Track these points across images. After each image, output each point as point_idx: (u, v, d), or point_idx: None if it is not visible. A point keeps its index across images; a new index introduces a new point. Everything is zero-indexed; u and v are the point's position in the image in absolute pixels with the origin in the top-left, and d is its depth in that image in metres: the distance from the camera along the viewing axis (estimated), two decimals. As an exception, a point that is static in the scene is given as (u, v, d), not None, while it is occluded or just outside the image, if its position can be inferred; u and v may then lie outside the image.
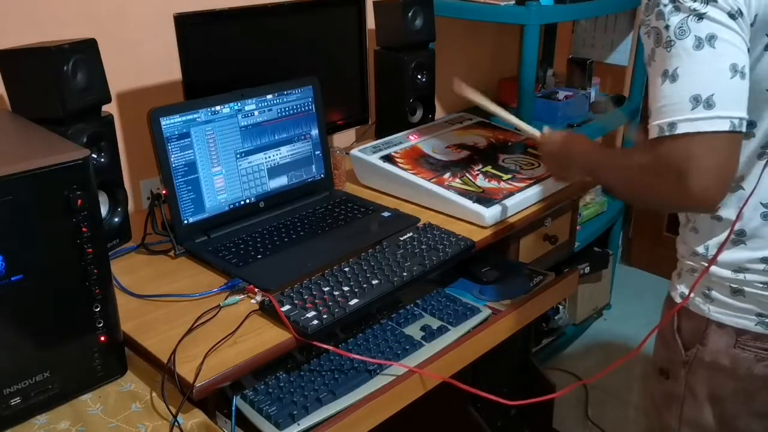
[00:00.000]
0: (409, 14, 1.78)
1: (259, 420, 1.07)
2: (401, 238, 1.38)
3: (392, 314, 1.33)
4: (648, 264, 3.08)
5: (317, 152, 1.57)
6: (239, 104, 1.43)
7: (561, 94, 2.29)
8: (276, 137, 1.50)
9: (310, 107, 1.55)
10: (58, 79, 1.18)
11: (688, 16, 0.89)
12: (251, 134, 1.45)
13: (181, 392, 1.00)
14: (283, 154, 1.51)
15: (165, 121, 1.31)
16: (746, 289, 1.04)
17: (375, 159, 1.62)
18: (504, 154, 1.71)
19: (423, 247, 1.35)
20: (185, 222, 1.36)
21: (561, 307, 2.44)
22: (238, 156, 1.44)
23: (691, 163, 0.88)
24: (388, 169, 1.59)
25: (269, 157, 1.49)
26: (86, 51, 1.23)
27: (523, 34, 1.90)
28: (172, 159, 1.33)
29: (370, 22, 1.79)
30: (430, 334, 1.26)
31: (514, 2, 1.91)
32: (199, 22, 1.43)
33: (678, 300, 1.13)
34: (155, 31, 1.56)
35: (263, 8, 1.57)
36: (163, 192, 1.33)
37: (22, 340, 0.94)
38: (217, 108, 1.39)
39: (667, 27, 0.91)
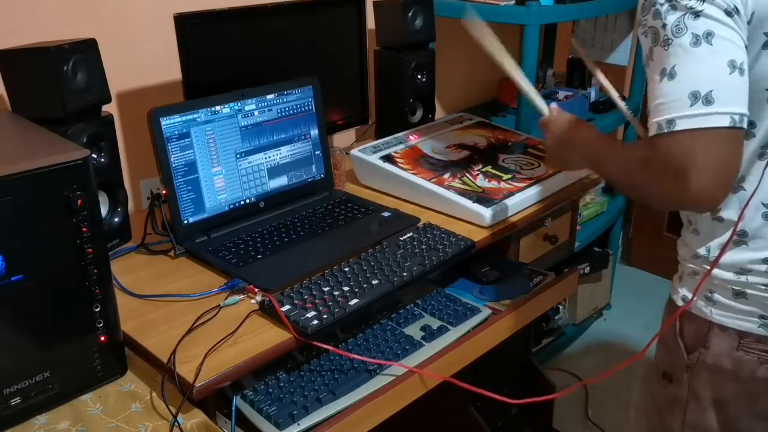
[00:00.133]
0: (409, 14, 1.78)
1: (259, 420, 1.07)
2: (401, 238, 1.38)
3: (392, 314, 1.33)
4: (648, 264, 3.08)
5: (317, 152, 1.57)
6: (239, 104, 1.43)
7: (561, 94, 2.29)
8: (276, 137, 1.50)
9: (310, 107, 1.55)
10: (58, 79, 1.18)
11: (684, 14, 0.89)
12: (251, 134, 1.45)
13: (181, 392, 1.00)
14: (283, 154, 1.51)
15: (165, 121, 1.31)
16: (748, 291, 1.04)
17: (375, 159, 1.62)
18: (504, 154, 1.71)
19: (423, 247, 1.35)
20: (185, 222, 1.36)
21: (561, 307, 2.44)
22: (238, 156, 1.44)
23: (690, 161, 0.87)
24: (388, 169, 1.59)
25: (269, 157, 1.49)
26: (86, 51, 1.23)
27: (523, 34, 1.90)
28: (172, 159, 1.33)
29: (370, 22, 1.79)
30: (430, 334, 1.26)
31: (514, 2, 1.91)
32: (199, 22, 1.43)
33: (680, 303, 1.12)
34: (155, 31, 1.56)
35: (263, 8, 1.57)
36: (163, 192, 1.33)
37: (22, 340, 0.94)
38: (217, 108, 1.39)
39: (664, 26, 0.91)
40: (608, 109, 2.38)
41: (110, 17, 1.52)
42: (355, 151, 1.65)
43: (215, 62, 1.48)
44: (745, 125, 0.89)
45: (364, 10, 1.74)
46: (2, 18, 1.36)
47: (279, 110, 1.50)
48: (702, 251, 1.08)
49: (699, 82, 0.88)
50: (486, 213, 1.44)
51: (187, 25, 1.40)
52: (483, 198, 1.49)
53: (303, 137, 1.55)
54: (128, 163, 1.58)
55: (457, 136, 1.79)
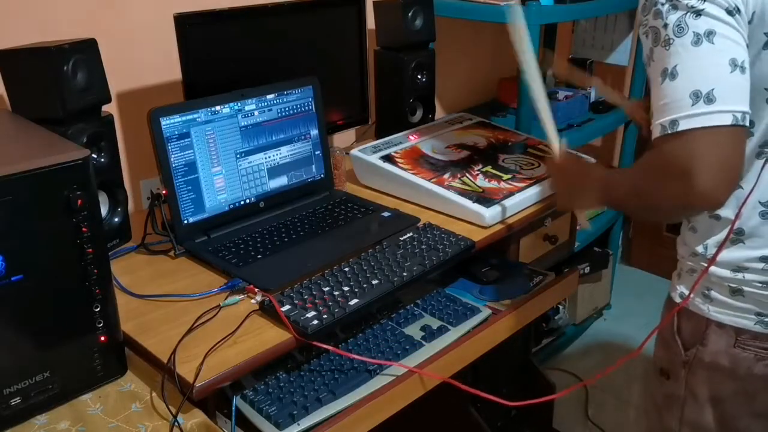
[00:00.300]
0: (409, 14, 1.78)
1: (259, 420, 1.07)
2: (401, 238, 1.38)
3: (392, 314, 1.33)
4: (648, 264, 3.08)
5: (317, 152, 1.57)
6: (239, 104, 1.43)
7: (561, 94, 2.29)
8: (276, 137, 1.50)
9: (310, 107, 1.55)
10: (58, 79, 1.18)
11: (685, 14, 0.89)
12: (251, 134, 1.45)
13: (181, 392, 1.00)
14: (283, 154, 1.51)
15: (165, 121, 1.31)
16: (745, 288, 1.04)
17: (375, 159, 1.62)
18: (504, 154, 1.71)
19: (423, 247, 1.35)
20: (185, 222, 1.36)
21: (561, 307, 2.44)
22: (238, 156, 1.44)
23: (695, 161, 0.87)
24: (388, 169, 1.59)
25: (269, 157, 1.49)
26: (86, 51, 1.23)
27: (523, 34, 1.90)
28: (172, 159, 1.33)
29: (370, 22, 1.79)
30: (430, 334, 1.26)
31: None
32: (199, 22, 1.43)
33: (678, 300, 1.13)
34: (155, 31, 1.56)
35: (263, 8, 1.57)
36: (163, 192, 1.33)
37: (22, 340, 0.94)
38: (217, 108, 1.39)
39: (665, 25, 0.91)
40: (608, 109, 2.38)
41: (110, 17, 1.52)
42: (355, 151, 1.65)
43: (215, 62, 1.48)
44: (747, 123, 0.89)
45: (364, 10, 1.74)
46: (2, 18, 1.36)
47: (279, 110, 1.50)
48: (700, 249, 1.08)
49: (700, 81, 0.88)
50: (486, 213, 1.44)
51: (187, 25, 1.40)
52: (483, 198, 1.49)
53: (303, 137, 1.55)
54: (128, 163, 1.58)
55: (457, 136, 1.79)
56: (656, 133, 0.92)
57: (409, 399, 1.15)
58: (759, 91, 0.95)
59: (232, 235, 1.40)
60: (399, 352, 1.21)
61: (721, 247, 1.03)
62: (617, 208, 1.18)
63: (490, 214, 1.44)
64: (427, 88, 1.87)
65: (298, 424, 1.05)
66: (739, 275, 1.04)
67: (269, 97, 1.48)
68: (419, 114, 1.88)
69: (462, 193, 1.50)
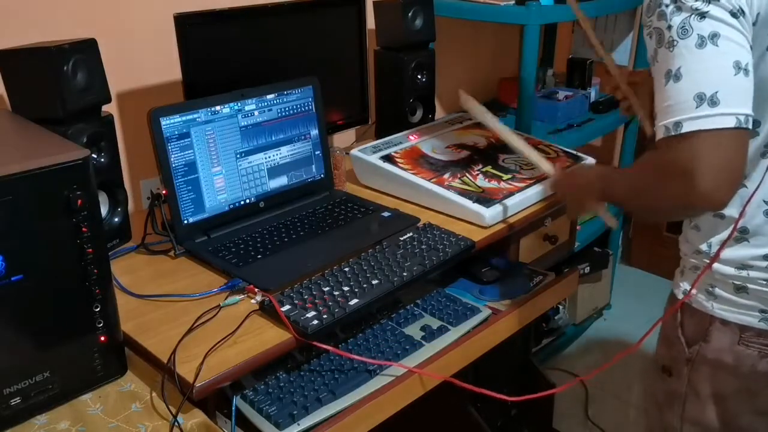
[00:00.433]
0: (409, 14, 1.78)
1: (259, 420, 1.07)
2: (401, 238, 1.38)
3: (392, 314, 1.33)
4: (648, 264, 3.08)
5: (317, 152, 1.57)
6: (239, 104, 1.43)
7: (561, 94, 2.29)
8: (276, 137, 1.50)
9: (310, 107, 1.55)
10: (58, 79, 1.18)
11: (690, 16, 0.89)
12: (251, 134, 1.45)
13: (181, 392, 1.00)
14: (283, 154, 1.51)
15: (165, 121, 1.31)
16: (749, 286, 1.05)
17: (375, 159, 1.62)
18: (504, 154, 1.71)
19: (423, 247, 1.35)
20: (185, 222, 1.36)
21: (561, 307, 2.44)
22: (238, 156, 1.44)
23: (698, 162, 0.88)
24: (388, 169, 1.59)
25: (269, 157, 1.49)
26: (86, 51, 1.23)
27: (523, 34, 1.90)
28: (172, 159, 1.33)
29: (370, 22, 1.79)
30: (430, 334, 1.26)
31: (514, 2, 1.91)
32: (199, 22, 1.43)
33: (681, 297, 1.13)
34: (155, 31, 1.56)
35: (263, 8, 1.57)
36: (163, 192, 1.33)
37: (22, 340, 0.94)
38: (217, 108, 1.39)
39: (669, 27, 0.91)
40: (608, 109, 2.38)
41: (110, 17, 1.52)
42: (355, 151, 1.65)
43: (215, 62, 1.48)
44: (750, 125, 0.90)
45: (364, 10, 1.74)
46: (2, 18, 1.36)
47: (279, 110, 1.50)
48: (704, 247, 1.09)
49: (704, 84, 0.89)
50: (486, 213, 1.44)
51: (187, 25, 1.40)
52: (483, 198, 1.49)
53: (303, 137, 1.55)
54: (128, 163, 1.58)
55: (457, 136, 1.79)
56: (660, 134, 0.92)
57: (409, 399, 1.15)
58: (764, 92, 0.95)
59: (232, 235, 1.40)
60: (399, 352, 1.21)
61: (723, 245, 1.04)
62: (618, 205, 1.19)
63: (490, 214, 1.44)
64: (427, 88, 1.87)
65: (298, 424, 1.05)
66: (744, 273, 1.05)
67: (269, 97, 1.48)
68: (419, 114, 1.89)
69: (462, 193, 1.50)
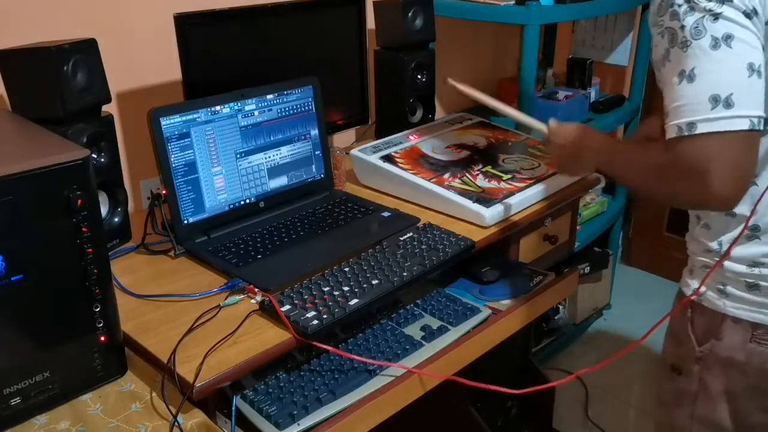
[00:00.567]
0: (409, 14, 1.78)
1: (259, 420, 1.07)
2: (401, 238, 1.38)
3: (392, 314, 1.33)
4: (648, 264, 3.08)
5: (317, 152, 1.57)
6: (239, 104, 1.43)
7: (561, 94, 2.29)
8: (276, 137, 1.50)
9: (310, 107, 1.55)
10: (58, 79, 1.18)
11: (703, 16, 0.90)
12: (251, 134, 1.45)
13: (181, 392, 1.00)
14: (283, 154, 1.51)
15: (165, 121, 1.31)
16: (762, 283, 1.05)
17: (375, 159, 1.62)
18: (504, 154, 1.71)
19: (423, 247, 1.35)
20: (185, 222, 1.36)
21: (561, 307, 2.44)
22: (238, 156, 1.44)
23: (711, 163, 0.89)
24: (388, 169, 1.59)
25: (269, 157, 1.49)
26: (86, 51, 1.23)
27: (523, 34, 1.90)
28: (172, 159, 1.33)
29: (370, 22, 1.79)
30: (430, 334, 1.26)
31: (514, 2, 1.91)
32: (199, 22, 1.43)
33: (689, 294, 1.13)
34: (155, 31, 1.56)
35: (263, 8, 1.57)
36: (163, 192, 1.33)
37: (22, 340, 0.94)
38: (217, 108, 1.39)
39: (682, 27, 0.91)
40: (608, 109, 2.38)
41: (110, 17, 1.52)
42: (355, 151, 1.65)
43: (215, 62, 1.48)
44: (762, 127, 0.90)
45: (364, 10, 1.74)
46: (2, 18, 1.36)
47: (279, 110, 1.50)
48: (714, 245, 1.09)
49: (719, 86, 0.89)
50: (486, 213, 1.44)
51: (187, 25, 1.40)
52: (483, 198, 1.49)
53: (303, 137, 1.55)
54: (128, 163, 1.58)
55: (457, 136, 1.79)
56: (671, 133, 0.93)
57: (409, 399, 1.15)
58: None
59: (232, 235, 1.40)
60: (399, 352, 1.21)
61: (734, 243, 1.05)
62: (616, 179, 1.20)
63: (490, 214, 1.44)
64: (427, 88, 1.86)
65: (298, 424, 1.05)
66: (756, 270, 1.05)
67: (269, 97, 1.48)
68: (419, 114, 1.88)
69: (462, 193, 1.50)
